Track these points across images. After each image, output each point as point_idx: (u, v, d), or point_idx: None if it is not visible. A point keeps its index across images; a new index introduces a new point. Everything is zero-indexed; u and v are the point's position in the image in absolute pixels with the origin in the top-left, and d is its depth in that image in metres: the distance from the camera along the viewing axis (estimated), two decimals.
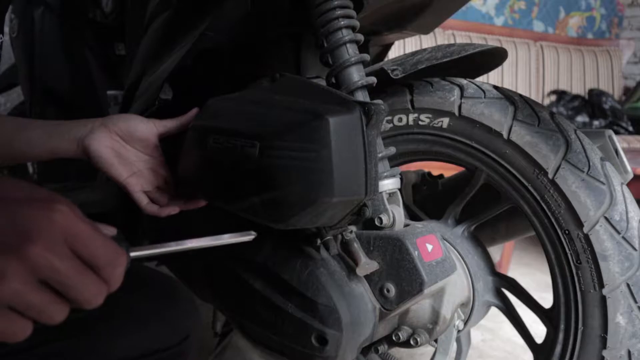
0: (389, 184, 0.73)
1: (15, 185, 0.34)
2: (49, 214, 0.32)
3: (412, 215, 0.91)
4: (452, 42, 2.76)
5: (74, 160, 0.71)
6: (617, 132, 2.82)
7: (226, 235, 0.49)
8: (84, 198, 1.13)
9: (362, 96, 0.73)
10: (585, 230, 0.69)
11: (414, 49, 0.95)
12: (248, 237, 0.50)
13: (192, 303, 0.70)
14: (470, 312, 0.83)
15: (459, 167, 0.85)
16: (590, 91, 3.05)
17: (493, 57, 0.90)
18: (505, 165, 0.76)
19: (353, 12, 0.75)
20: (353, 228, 0.71)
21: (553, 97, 3.01)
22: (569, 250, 0.72)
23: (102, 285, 0.35)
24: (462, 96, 0.79)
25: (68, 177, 1.36)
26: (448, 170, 0.98)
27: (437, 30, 2.73)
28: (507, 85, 2.88)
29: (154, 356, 0.64)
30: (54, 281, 0.32)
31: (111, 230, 0.39)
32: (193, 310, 0.70)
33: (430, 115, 0.82)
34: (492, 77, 2.82)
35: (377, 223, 0.72)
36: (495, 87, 0.80)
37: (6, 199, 0.32)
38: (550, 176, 0.72)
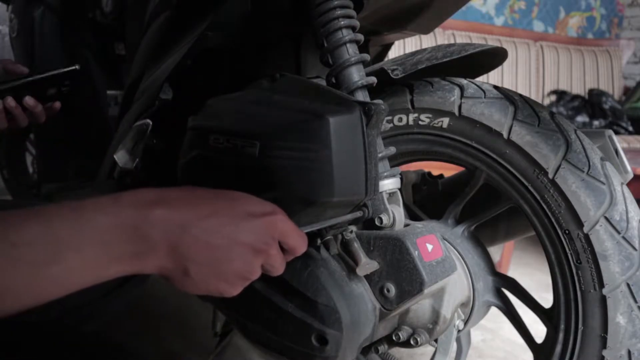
0: (389, 184, 0.73)
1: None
2: (275, 221, 0.48)
3: (412, 215, 0.91)
4: (452, 42, 2.76)
5: (74, 160, 0.71)
6: (617, 132, 2.82)
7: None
8: (84, 197, 1.13)
9: (362, 96, 0.73)
10: (585, 230, 0.69)
11: (414, 49, 0.95)
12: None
13: None
14: (470, 312, 0.83)
15: (459, 167, 0.85)
16: (590, 91, 3.05)
17: (493, 57, 0.90)
18: (505, 165, 0.76)
19: (353, 12, 0.75)
20: (353, 228, 0.71)
21: (553, 97, 3.01)
22: (569, 250, 0.72)
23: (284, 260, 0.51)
24: (462, 96, 0.79)
25: (68, 177, 1.36)
26: (448, 170, 0.98)
27: (437, 30, 2.73)
28: (507, 85, 2.88)
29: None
30: (284, 242, 0.49)
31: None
32: None
33: (430, 115, 0.82)
34: (492, 77, 2.82)
35: (377, 223, 0.72)
36: (495, 87, 0.80)
37: (238, 206, 0.47)
38: (550, 176, 0.72)
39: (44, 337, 0.54)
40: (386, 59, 1.03)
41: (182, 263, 0.42)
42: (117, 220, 0.40)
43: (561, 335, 0.75)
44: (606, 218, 0.69)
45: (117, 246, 0.40)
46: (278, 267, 0.50)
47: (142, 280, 0.91)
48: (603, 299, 0.69)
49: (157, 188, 0.44)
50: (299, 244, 0.52)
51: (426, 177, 0.97)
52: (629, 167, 0.80)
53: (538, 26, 3.60)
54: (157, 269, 0.42)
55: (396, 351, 0.84)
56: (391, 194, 0.74)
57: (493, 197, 0.82)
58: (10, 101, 0.91)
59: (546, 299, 0.78)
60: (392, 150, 0.76)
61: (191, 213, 0.43)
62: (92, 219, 0.39)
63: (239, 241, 0.44)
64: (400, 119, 0.85)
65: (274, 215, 0.48)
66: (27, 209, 0.39)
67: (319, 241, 0.71)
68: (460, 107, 0.79)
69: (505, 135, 0.75)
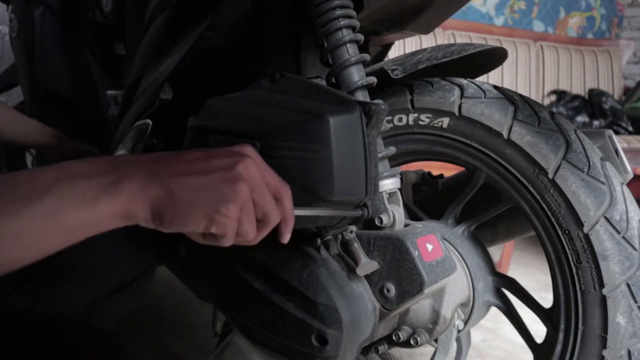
0: (389, 184, 0.73)
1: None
2: (248, 148, 0.47)
3: (412, 215, 0.91)
4: (452, 42, 2.76)
5: (73, 160, 0.72)
6: (617, 132, 2.82)
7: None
8: None
9: (362, 96, 0.73)
10: (585, 230, 0.69)
11: (414, 49, 0.95)
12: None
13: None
14: (470, 312, 0.83)
15: (459, 167, 0.85)
16: (590, 91, 3.05)
17: (493, 57, 0.90)
18: (505, 165, 0.76)
19: (353, 12, 0.75)
20: (353, 228, 0.71)
21: (553, 97, 3.01)
22: (569, 250, 0.72)
23: (276, 206, 0.48)
24: (462, 96, 0.79)
25: None
26: (448, 170, 0.98)
27: (437, 30, 2.73)
28: (507, 85, 2.88)
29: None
30: (257, 194, 0.45)
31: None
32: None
33: (430, 115, 0.82)
34: (492, 77, 2.82)
35: (377, 223, 0.72)
36: (495, 87, 0.80)
37: (208, 149, 0.46)
38: (550, 176, 0.72)
39: (45, 335, 0.54)
40: (386, 59, 1.03)
41: (165, 185, 0.42)
42: (97, 161, 0.42)
43: (561, 335, 0.75)
44: (606, 218, 0.69)
45: (100, 177, 0.41)
46: (250, 221, 0.46)
47: (145, 283, 0.92)
48: (603, 299, 0.69)
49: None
50: (281, 185, 0.49)
51: (426, 177, 0.97)
52: (629, 167, 0.80)
53: (538, 26, 3.60)
54: (145, 201, 0.42)
55: (396, 351, 0.84)
56: (391, 194, 0.74)
57: (493, 197, 0.82)
58: None
59: (546, 299, 0.78)
60: (392, 150, 0.76)
61: (164, 155, 0.45)
62: (74, 163, 0.42)
63: (213, 163, 0.45)
64: (400, 119, 0.85)
65: (252, 155, 0.47)
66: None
67: (319, 241, 0.71)
68: (460, 107, 0.79)
69: (505, 135, 0.75)
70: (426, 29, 0.95)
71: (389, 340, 0.77)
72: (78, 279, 0.80)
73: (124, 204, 0.41)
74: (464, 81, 0.81)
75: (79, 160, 0.42)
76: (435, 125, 0.82)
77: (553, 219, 0.73)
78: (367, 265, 0.68)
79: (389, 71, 0.78)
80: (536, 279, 2.07)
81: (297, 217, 0.54)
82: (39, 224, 0.38)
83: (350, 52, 0.74)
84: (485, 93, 0.78)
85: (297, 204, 0.59)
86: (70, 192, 0.40)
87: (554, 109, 2.91)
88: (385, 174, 0.73)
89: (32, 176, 0.40)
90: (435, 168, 1.05)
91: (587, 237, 0.70)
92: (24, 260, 0.39)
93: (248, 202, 0.44)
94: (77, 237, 0.41)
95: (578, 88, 3.09)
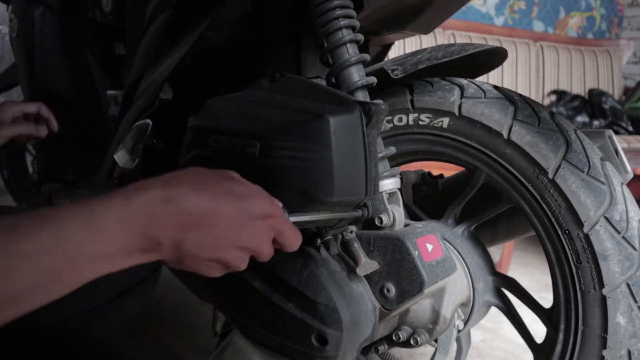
0: (389, 184, 0.73)
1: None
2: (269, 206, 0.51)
3: (412, 215, 0.91)
4: (452, 42, 2.76)
5: (74, 160, 0.72)
6: (617, 132, 2.82)
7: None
8: (83, 196, 1.13)
9: (362, 96, 0.73)
10: (585, 230, 0.69)
11: (414, 49, 0.95)
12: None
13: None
14: (470, 312, 0.83)
15: (459, 167, 0.85)
16: (590, 91, 3.05)
17: (493, 57, 0.90)
18: (505, 165, 0.76)
19: (353, 12, 0.75)
20: (353, 228, 0.71)
21: (553, 97, 3.01)
22: (569, 250, 0.72)
23: (297, 233, 0.55)
24: (462, 96, 0.79)
25: (68, 177, 1.36)
26: (448, 170, 0.98)
27: (437, 30, 2.73)
28: (507, 85, 2.88)
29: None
30: (278, 240, 0.52)
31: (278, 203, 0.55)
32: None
33: (430, 115, 0.82)
34: (492, 77, 2.82)
35: (377, 223, 0.72)
36: (495, 87, 0.80)
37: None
38: (550, 176, 0.72)
39: (44, 340, 0.55)
40: (386, 59, 1.03)
41: (181, 256, 0.45)
42: (128, 225, 0.42)
43: (561, 335, 0.75)
44: (606, 218, 0.69)
45: (128, 247, 0.42)
46: (267, 257, 0.52)
47: (151, 285, 0.93)
48: (603, 299, 0.69)
49: (163, 180, 0.46)
50: (293, 243, 0.54)
51: (426, 177, 0.97)
52: (629, 167, 0.80)
53: (538, 26, 3.60)
54: (158, 259, 0.45)
55: (396, 351, 0.84)
56: (391, 194, 0.74)
57: (493, 197, 0.82)
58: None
59: (546, 299, 0.78)
60: (392, 150, 0.76)
61: (197, 213, 0.45)
62: (104, 223, 0.41)
63: (238, 245, 0.48)
64: (400, 119, 0.85)
65: (274, 218, 0.51)
66: (37, 212, 0.40)
67: (319, 241, 0.71)
68: (460, 107, 0.79)
69: (505, 135, 0.75)
70: (426, 29, 0.95)
71: (389, 340, 0.77)
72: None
73: (140, 262, 0.45)
74: (464, 81, 0.81)
75: (104, 211, 0.42)
76: (435, 125, 0.82)
77: (553, 219, 0.73)
78: (367, 265, 0.68)
79: (389, 71, 0.78)
80: (536, 279, 2.07)
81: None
82: (55, 288, 0.40)
83: (350, 52, 0.74)
84: (485, 93, 0.78)
85: (297, 205, 0.59)
86: (93, 265, 0.41)
87: (554, 109, 2.91)
88: (385, 174, 0.73)
89: (57, 242, 0.40)
90: (435, 168, 1.05)
91: (587, 237, 0.70)
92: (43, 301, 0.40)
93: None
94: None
95: (578, 88, 3.09)
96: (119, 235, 0.41)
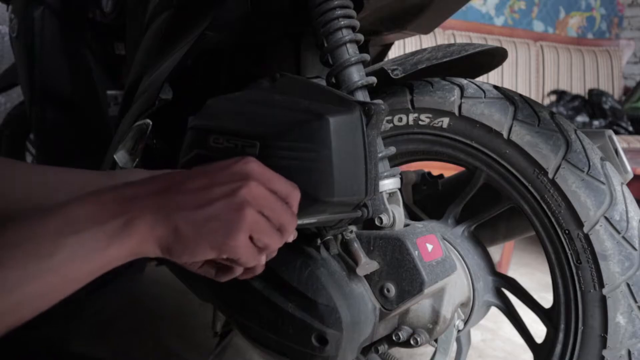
0: (389, 184, 0.73)
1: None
2: (249, 162, 0.46)
3: (412, 215, 0.91)
4: (452, 42, 2.76)
5: (74, 160, 0.71)
6: (617, 132, 2.82)
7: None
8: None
9: (362, 96, 0.73)
10: (585, 230, 0.69)
11: (414, 49, 0.95)
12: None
13: None
14: (470, 312, 0.83)
15: (459, 167, 0.85)
16: (590, 91, 3.05)
17: (493, 57, 0.90)
18: (505, 165, 0.76)
19: (353, 12, 0.75)
20: (353, 228, 0.71)
21: (553, 97, 3.01)
22: (569, 250, 0.72)
23: (291, 212, 0.48)
24: (462, 96, 0.79)
25: None
26: (448, 170, 0.98)
27: (437, 30, 2.73)
28: (507, 85, 2.88)
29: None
30: (269, 211, 0.46)
31: None
32: None
33: (430, 115, 0.82)
34: (492, 77, 2.82)
35: (377, 223, 0.72)
36: (495, 87, 0.80)
37: (208, 167, 0.46)
38: (550, 176, 0.72)
39: (34, 340, 0.54)
40: (386, 59, 1.03)
41: (171, 222, 0.43)
42: (99, 200, 0.42)
43: (561, 335, 0.75)
44: (606, 218, 0.69)
45: (107, 222, 0.41)
46: (268, 236, 0.46)
47: (138, 270, 0.91)
48: (603, 299, 0.69)
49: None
50: (286, 188, 0.48)
51: (426, 177, 0.97)
52: (629, 167, 0.80)
53: (538, 26, 3.60)
54: (154, 241, 0.43)
55: (396, 351, 0.84)
56: (391, 194, 0.74)
57: (493, 197, 0.82)
58: None
59: (546, 299, 0.78)
60: (392, 150, 0.76)
61: (167, 182, 0.45)
62: (78, 206, 0.41)
63: (216, 191, 0.44)
64: (400, 119, 0.85)
65: (245, 158, 0.47)
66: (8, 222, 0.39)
67: (319, 241, 0.71)
68: (460, 107, 0.79)
69: (505, 135, 0.75)
70: (426, 29, 0.95)
71: (389, 340, 0.77)
72: None
73: (134, 248, 0.42)
74: (464, 81, 0.81)
75: (80, 200, 0.41)
76: (435, 125, 0.82)
77: (553, 219, 0.73)
78: (367, 265, 0.68)
79: (389, 71, 0.78)
80: (536, 279, 2.07)
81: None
82: (50, 281, 0.38)
83: (350, 52, 0.74)
84: (485, 93, 0.78)
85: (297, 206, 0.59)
86: (80, 245, 0.39)
87: (554, 109, 2.91)
88: (385, 174, 0.73)
89: (34, 230, 0.39)
90: (435, 168, 1.05)
91: (587, 237, 0.70)
92: (32, 315, 0.39)
93: (257, 223, 0.45)
94: (85, 282, 0.41)
95: (578, 88, 3.10)
96: (94, 210, 0.41)
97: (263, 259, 0.49)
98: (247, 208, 0.44)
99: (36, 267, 0.37)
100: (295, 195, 0.49)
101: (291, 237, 0.50)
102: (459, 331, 0.82)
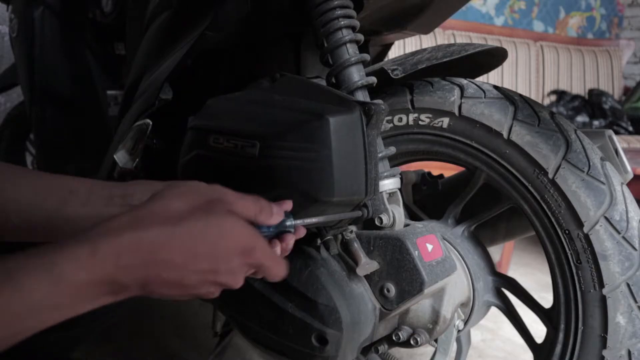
0: (389, 184, 0.73)
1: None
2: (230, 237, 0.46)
3: (412, 215, 0.91)
4: (452, 42, 2.76)
5: (74, 160, 0.71)
6: (617, 132, 2.82)
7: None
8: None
9: (362, 96, 0.73)
10: (585, 230, 0.69)
11: (414, 49, 0.95)
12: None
13: None
14: (470, 312, 0.83)
15: (459, 167, 0.85)
16: (590, 91, 3.05)
17: (493, 57, 0.90)
18: (505, 165, 0.76)
19: (353, 12, 0.75)
20: (353, 228, 0.71)
21: (553, 97, 3.01)
22: (569, 250, 0.72)
23: (281, 265, 0.51)
24: (462, 96, 0.79)
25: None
26: (448, 170, 0.98)
27: (437, 30, 2.73)
28: (507, 85, 2.88)
29: None
30: (259, 271, 0.50)
31: (288, 205, 0.55)
32: None
33: (430, 115, 0.82)
34: (492, 77, 2.82)
35: (377, 223, 0.72)
36: (495, 87, 0.80)
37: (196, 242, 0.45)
38: (550, 176, 0.72)
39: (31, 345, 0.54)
40: (386, 59, 1.03)
41: (150, 292, 0.44)
42: (95, 276, 0.40)
43: (561, 335, 0.75)
44: (606, 218, 0.69)
45: (93, 294, 0.41)
46: (238, 286, 0.50)
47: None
48: (603, 299, 0.69)
49: (134, 218, 0.44)
50: (275, 274, 0.51)
51: (426, 177, 0.97)
52: (629, 167, 0.80)
53: (538, 26, 3.60)
54: (131, 293, 0.44)
55: (396, 351, 0.84)
56: (391, 194, 0.74)
57: (493, 197, 0.82)
58: None
59: (546, 299, 0.78)
60: (392, 150, 0.76)
61: (168, 261, 0.43)
62: (69, 277, 0.39)
63: (210, 282, 0.46)
64: (400, 119, 0.85)
65: (253, 254, 0.48)
66: None
67: (319, 241, 0.71)
68: (460, 107, 0.79)
69: (505, 135, 0.75)
70: (426, 29, 0.95)
71: (389, 340, 0.77)
72: None
73: (109, 299, 0.43)
74: (464, 81, 0.81)
75: (71, 261, 0.40)
76: (435, 125, 0.82)
77: (553, 219, 0.73)
78: (367, 265, 0.68)
79: (389, 71, 0.78)
80: (536, 279, 2.07)
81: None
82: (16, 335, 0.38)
83: (350, 52, 0.74)
84: (485, 93, 0.78)
85: (297, 205, 0.59)
86: (57, 316, 0.40)
87: (554, 109, 2.91)
88: (385, 174, 0.73)
89: (15, 301, 0.38)
90: (435, 168, 1.05)
91: (587, 237, 0.70)
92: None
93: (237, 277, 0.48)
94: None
95: (578, 88, 3.09)
96: (85, 286, 0.40)
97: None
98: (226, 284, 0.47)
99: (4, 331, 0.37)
100: (263, 212, 0.51)
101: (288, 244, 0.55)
102: (459, 331, 0.82)
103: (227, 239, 0.46)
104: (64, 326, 0.42)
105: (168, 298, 0.46)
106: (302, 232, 0.58)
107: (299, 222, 0.56)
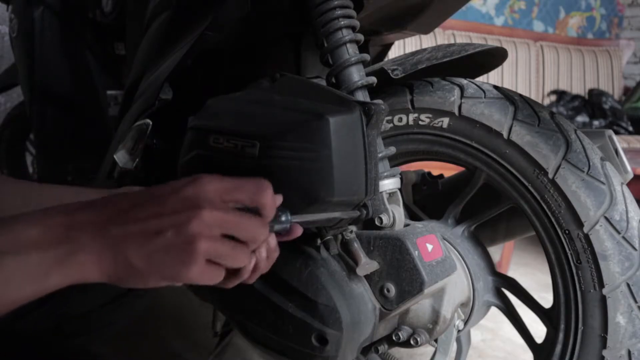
0: (389, 184, 0.73)
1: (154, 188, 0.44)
2: (201, 185, 0.43)
3: (412, 215, 0.91)
4: (452, 42, 2.76)
5: (74, 160, 0.71)
6: (617, 132, 2.82)
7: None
8: None
9: (362, 96, 0.73)
10: (585, 230, 0.69)
11: (414, 49, 0.95)
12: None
13: None
14: (470, 312, 0.83)
15: (459, 167, 0.85)
16: (590, 91, 3.05)
17: (493, 57, 0.90)
18: (505, 165, 0.76)
19: (353, 12, 0.75)
20: (353, 228, 0.71)
21: (553, 97, 3.01)
22: (569, 250, 0.72)
23: (260, 218, 0.45)
24: (462, 96, 0.79)
25: (68, 177, 1.36)
26: (448, 170, 0.98)
27: (437, 30, 2.73)
28: (507, 85, 2.88)
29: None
30: (231, 230, 0.43)
31: (278, 199, 0.50)
32: None
33: (430, 115, 0.82)
34: (492, 77, 2.82)
35: (377, 223, 0.72)
36: (495, 87, 0.80)
37: (159, 192, 0.43)
38: (550, 176, 0.72)
39: (34, 347, 0.54)
40: (386, 59, 1.03)
41: (119, 253, 0.41)
42: (46, 223, 0.40)
43: (561, 335, 0.75)
44: (606, 218, 0.69)
45: (51, 248, 0.39)
46: (232, 256, 0.44)
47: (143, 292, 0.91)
48: (603, 299, 0.69)
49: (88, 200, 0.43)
50: (247, 192, 0.45)
51: (426, 177, 0.97)
52: (629, 167, 0.80)
53: (538, 26, 3.60)
54: (101, 271, 0.41)
55: (396, 351, 0.84)
56: (391, 194, 0.74)
57: (493, 197, 0.82)
58: None
59: (546, 299, 0.78)
60: (392, 150, 0.76)
61: (116, 208, 0.42)
62: (25, 226, 0.39)
63: (166, 221, 0.42)
64: (400, 119, 0.85)
65: (197, 177, 0.44)
66: None
67: (319, 241, 0.71)
68: (460, 107, 0.79)
69: (505, 135, 0.75)
70: (426, 29, 0.95)
71: (389, 340, 0.77)
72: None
73: (77, 277, 0.40)
74: (464, 81, 0.81)
75: (28, 220, 0.40)
76: (435, 125, 0.82)
77: (553, 219, 0.73)
78: (367, 265, 0.68)
79: (389, 71, 0.78)
80: (536, 279, 2.07)
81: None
82: None
83: (350, 52, 0.74)
84: (485, 93, 0.78)
85: (297, 205, 0.59)
86: (18, 267, 0.38)
87: (554, 109, 2.91)
88: (385, 174, 0.73)
89: None
90: (435, 168, 1.05)
91: (587, 237, 0.70)
92: None
93: (215, 250, 0.42)
94: (18, 305, 0.39)
95: (578, 88, 3.10)
96: (39, 232, 0.39)
97: (253, 261, 0.48)
98: (199, 240, 0.41)
99: None
100: (264, 194, 0.45)
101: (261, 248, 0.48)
102: (459, 331, 0.82)
103: (193, 186, 0.43)
104: (74, 332, 0.42)
105: (143, 284, 0.42)
106: (299, 232, 0.54)
107: (296, 219, 0.55)
